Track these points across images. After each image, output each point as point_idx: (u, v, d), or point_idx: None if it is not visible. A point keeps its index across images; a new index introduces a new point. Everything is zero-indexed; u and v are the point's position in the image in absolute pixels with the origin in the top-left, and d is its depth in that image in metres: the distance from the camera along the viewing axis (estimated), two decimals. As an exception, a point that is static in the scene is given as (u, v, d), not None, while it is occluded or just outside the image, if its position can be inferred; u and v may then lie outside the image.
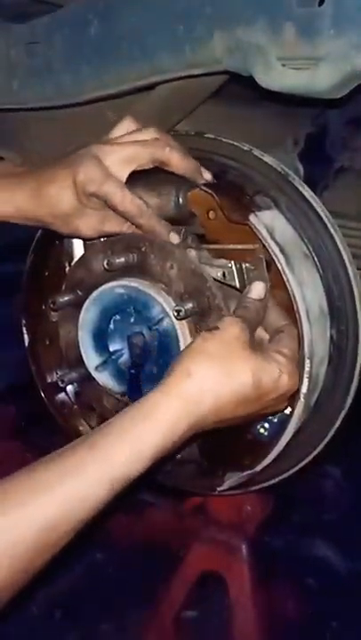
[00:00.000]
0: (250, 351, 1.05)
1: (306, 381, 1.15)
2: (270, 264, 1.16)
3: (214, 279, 1.18)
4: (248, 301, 1.13)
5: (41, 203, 1.22)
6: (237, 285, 1.18)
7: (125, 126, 1.25)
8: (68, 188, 1.18)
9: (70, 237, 1.27)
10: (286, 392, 1.10)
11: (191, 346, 1.06)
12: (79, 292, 1.32)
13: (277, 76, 1.16)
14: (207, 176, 1.22)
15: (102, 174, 1.16)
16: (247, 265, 1.18)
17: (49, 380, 1.49)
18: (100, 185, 1.16)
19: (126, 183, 1.21)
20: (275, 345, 1.13)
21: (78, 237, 1.25)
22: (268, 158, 1.24)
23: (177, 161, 1.20)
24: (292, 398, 1.16)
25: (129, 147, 1.20)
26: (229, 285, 1.19)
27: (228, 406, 1.04)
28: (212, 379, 1.02)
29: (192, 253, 1.20)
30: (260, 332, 1.17)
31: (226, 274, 1.18)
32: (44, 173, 1.24)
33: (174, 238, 1.21)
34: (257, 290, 1.15)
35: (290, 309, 1.14)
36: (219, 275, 1.18)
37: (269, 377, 1.06)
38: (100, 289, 1.25)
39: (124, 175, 1.18)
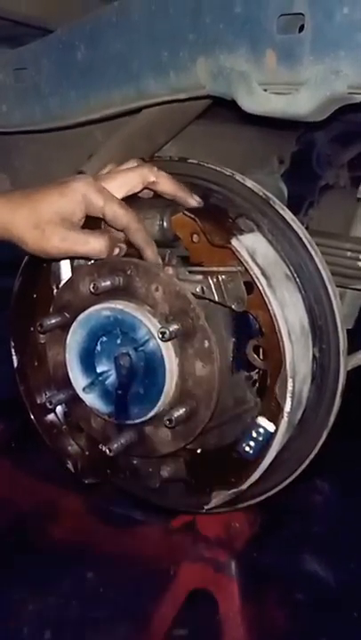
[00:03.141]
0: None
1: (289, 400, 1.17)
2: (252, 285, 1.18)
3: (194, 294, 1.20)
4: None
5: (22, 215, 1.21)
6: (216, 299, 1.20)
7: (108, 169, 1.31)
8: (62, 199, 1.20)
9: (36, 254, 1.25)
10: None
11: None
12: (66, 315, 1.33)
13: (259, 101, 1.18)
14: (197, 198, 1.25)
15: (104, 190, 1.21)
16: (223, 277, 1.21)
17: (38, 401, 1.50)
18: (106, 201, 1.20)
19: None
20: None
21: (43, 253, 1.24)
22: (249, 182, 1.27)
23: (166, 181, 1.24)
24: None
25: (118, 174, 1.25)
26: (209, 299, 1.21)
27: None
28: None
29: (170, 271, 1.23)
30: None
31: (204, 288, 1.20)
32: (35, 189, 1.25)
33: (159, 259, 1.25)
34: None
35: (272, 330, 1.16)
36: (198, 290, 1.21)
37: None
38: (87, 311, 1.27)
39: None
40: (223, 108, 1.37)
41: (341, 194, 2.20)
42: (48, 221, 1.19)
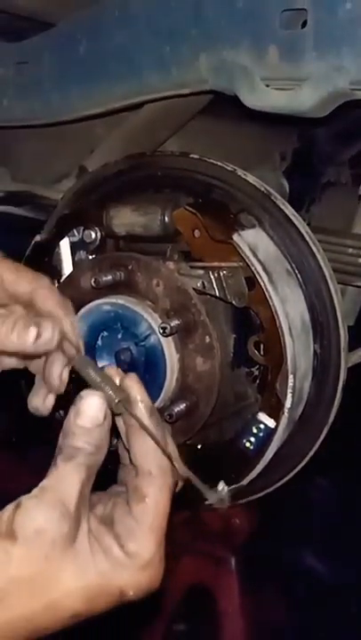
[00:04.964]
0: (64, 552, 0.79)
1: (290, 396, 1.17)
2: (254, 280, 1.18)
3: (195, 289, 1.20)
4: (74, 441, 0.83)
5: None
6: (217, 294, 1.21)
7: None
8: None
9: None
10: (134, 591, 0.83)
11: None
12: (67, 309, 1.33)
13: (261, 96, 1.18)
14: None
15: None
16: (224, 272, 1.20)
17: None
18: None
19: (115, 202, 1.24)
20: (121, 529, 0.83)
21: None
22: (251, 178, 1.27)
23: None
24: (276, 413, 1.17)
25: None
26: (210, 294, 1.21)
27: (53, 626, 0.81)
28: (26, 604, 0.78)
29: (171, 266, 1.23)
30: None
31: (205, 284, 1.20)
32: None
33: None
34: (90, 411, 0.84)
35: (273, 325, 1.16)
36: (199, 285, 1.21)
37: (98, 581, 0.80)
38: (88, 306, 1.27)
39: None
40: (225, 104, 1.37)
41: (343, 191, 2.19)
42: None
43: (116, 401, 0.86)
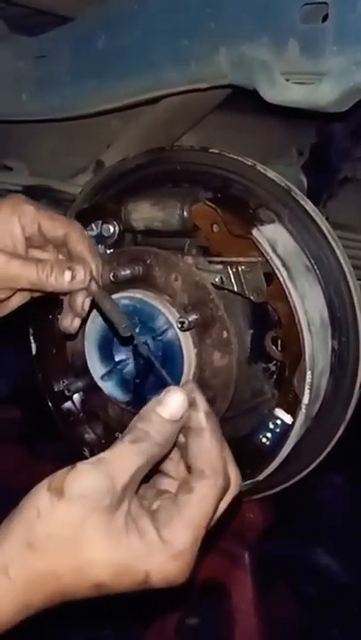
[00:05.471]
0: (99, 523, 0.80)
1: (307, 392, 1.17)
2: (272, 276, 1.18)
3: (213, 284, 1.20)
4: (148, 427, 0.86)
5: None
6: (235, 289, 1.20)
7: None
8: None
9: None
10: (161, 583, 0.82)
11: (38, 506, 0.81)
12: (85, 303, 1.33)
13: (281, 91, 1.18)
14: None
15: None
16: (243, 267, 1.20)
17: (55, 389, 1.51)
18: None
19: (134, 196, 1.24)
20: (162, 515, 0.84)
21: None
22: (271, 173, 1.26)
23: None
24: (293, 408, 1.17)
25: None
26: (228, 289, 1.21)
27: (77, 591, 0.81)
28: (57, 561, 0.80)
29: (189, 261, 1.23)
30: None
31: (223, 279, 1.20)
32: None
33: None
34: (172, 404, 0.87)
35: (291, 321, 1.16)
36: (216, 280, 1.21)
37: (126, 559, 0.80)
38: (106, 300, 1.27)
39: None
40: (243, 99, 1.37)
41: (360, 187, 2.19)
42: None
43: (123, 326, 1.07)
